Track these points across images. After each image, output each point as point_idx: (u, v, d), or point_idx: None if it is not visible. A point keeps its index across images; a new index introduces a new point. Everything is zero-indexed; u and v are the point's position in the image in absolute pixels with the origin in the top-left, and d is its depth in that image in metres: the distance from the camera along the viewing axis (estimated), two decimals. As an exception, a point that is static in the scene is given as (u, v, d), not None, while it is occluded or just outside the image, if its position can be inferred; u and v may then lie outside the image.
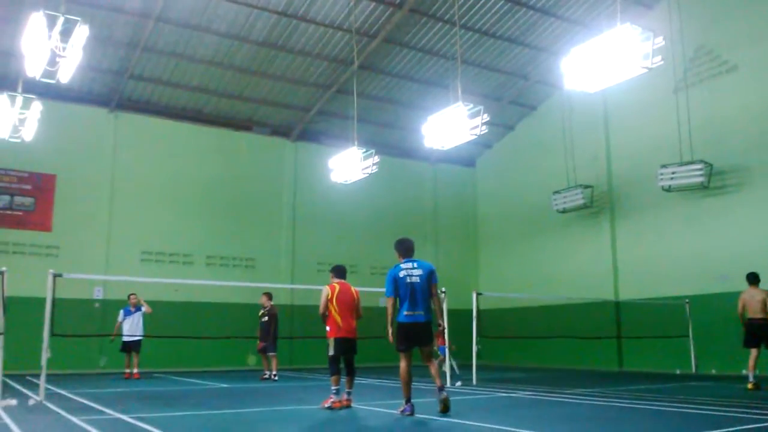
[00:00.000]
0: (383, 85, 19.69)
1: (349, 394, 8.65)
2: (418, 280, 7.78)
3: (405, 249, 8.12)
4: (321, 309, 8.81)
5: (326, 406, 8.39)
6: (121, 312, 14.57)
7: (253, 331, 14.89)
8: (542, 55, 18.96)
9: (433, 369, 7.82)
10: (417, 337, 7.76)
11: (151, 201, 18.44)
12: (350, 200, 20.02)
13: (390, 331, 7.79)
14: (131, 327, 14.35)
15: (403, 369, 7.71)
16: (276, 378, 14.08)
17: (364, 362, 9.40)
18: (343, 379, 8.75)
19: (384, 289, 7.93)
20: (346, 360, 8.80)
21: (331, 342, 8.67)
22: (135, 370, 14.32)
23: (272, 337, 14.35)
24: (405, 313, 7.71)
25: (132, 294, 14.64)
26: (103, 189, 17.90)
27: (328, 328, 8.77)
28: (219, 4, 15.64)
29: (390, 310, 7.76)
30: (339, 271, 9.11)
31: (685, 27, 16.47)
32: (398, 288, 7.75)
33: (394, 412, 7.91)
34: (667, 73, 16.08)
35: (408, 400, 7.65)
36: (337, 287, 8.82)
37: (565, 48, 13.85)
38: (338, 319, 8.66)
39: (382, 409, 8.51)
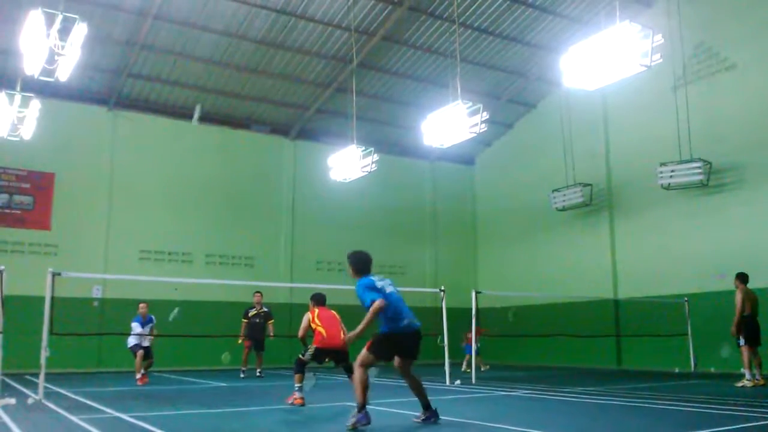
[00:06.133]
0: (382, 83, 19.68)
1: None
2: (395, 290, 6.92)
3: (365, 264, 7.01)
4: (300, 333, 9.15)
5: (289, 402, 8.54)
6: (135, 323, 13.22)
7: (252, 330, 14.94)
8: (541, 53, 18.95)
9: (417, 384, 6.97)
10: (411, 349, 6.86)
11: (149, 199, 18.41)
12: (349, 198, 19.99)
13: (361, 329, 6.62)
14: (143, 338, 13.27)
15: (366, 375, 6.63)
16: (262, 375, 14.30)
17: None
18: (348, 379, 8.75)
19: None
20: (344, 364, 9.01)
21: (312, 348, 8.91)
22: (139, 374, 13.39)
23: (264, 335, 14.62)
24: (402, 324, 6.71)
25: (142, 303, 13.51)
26: (101, 187, 17.87)
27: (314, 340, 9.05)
28: (217, 1, 15.62)
29: (373, 314, 6.52)
30: (319, 299, 9.40)
31: (684, 25, 16.45)
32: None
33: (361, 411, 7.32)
34: (666, 71, 16.08)
35: (364, 407, 6.51)
36: (317, 311, 9.18)
37: (564, 46, 13.82)
38: (323, 331, 8.89)
39: (382, 408, 8.50)
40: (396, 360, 6.87)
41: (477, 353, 14.77)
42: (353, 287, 6.89)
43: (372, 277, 6.83)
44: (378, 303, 6.49)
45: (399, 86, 19.87)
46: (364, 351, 6.71)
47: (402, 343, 6.80)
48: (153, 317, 13.54)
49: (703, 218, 16.38)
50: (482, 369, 16.11)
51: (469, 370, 14.79)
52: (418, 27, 17.53)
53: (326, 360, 9.07)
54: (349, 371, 8.79)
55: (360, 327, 6.60)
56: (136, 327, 13.14)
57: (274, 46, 17.38)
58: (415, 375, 6.97)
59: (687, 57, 16.71)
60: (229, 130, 19.96)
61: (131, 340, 13.06)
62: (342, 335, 8.88)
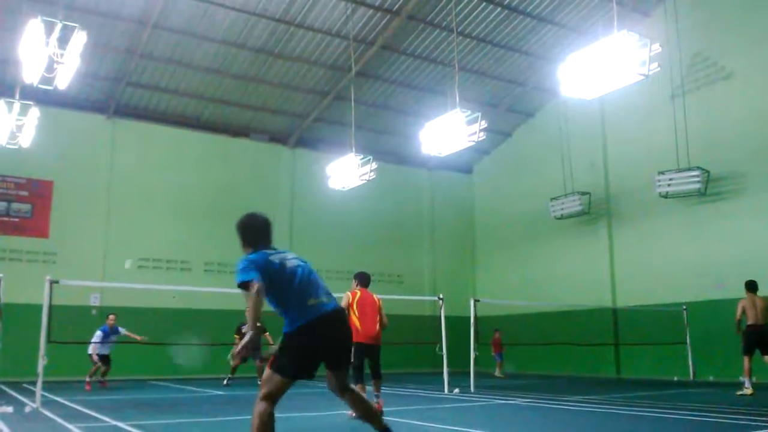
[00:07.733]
0: (381, 92, 19.72)
1: (377, 397, 8.19)
2: (301, 263, 4.55)
3: (255, 232, 4.63)
4: None
5: (354, 416, 8.17)
6: (99, 332, 13.73)
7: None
8: (539, 62, 19.01)
9: (362, 403, 4.86)
10: (335, 348, 4.56)
11: (148, 207, 18.39)
12: (348, 207, 19.98)
13: (247, 340, 4.24)
14: (102, 346, 13.77)
15: (268, 414, 4.37)
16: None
17: (385, 368, 9.02)
18: (370, 386, 8.41)
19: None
20: (372, 363, 8.41)
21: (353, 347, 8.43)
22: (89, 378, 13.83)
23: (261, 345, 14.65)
24: (312, 309, 4.34)
25: (111, 315, 13.96)
26: (100, 195, 17.87)
27: None
28: (217, 10, 15.67)
29: (255, 306, 4.12)
30: (362, 279, 8.66)
31: (682, 34, 16.53)
32: (277, 275, 4.34)
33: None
34: (664, 80, 16.14)
35: None
36: (358, 293, 8.45)
37: (562, 55, 13.86)
38: (357, 323, 8.23)
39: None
40: (327, 372, 4.67)
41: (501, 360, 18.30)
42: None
43: (267, 251, 4.47)
44: (252, 297, 4.12)
45: (397, 95, 19.92)
46: (266, 372, 4.42)
47: (320, 340, 4.37)
48: (119, 329, 13.92)
49: (701, 226, 16.40)
50: (498, 374, 18.05)
51: (502, 375, 17.85)
52: (416, 36, 17.59)
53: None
54: (375, 370, 8.34)
55: (249, 330, 4.19)
56: (98, 335, 13.65)
57: (273, 54, 17.42)
58: (355, 389, 4.86)
59: (685, 66, 16.77)
60: (228, 138, 19.97)
61: (92, 348, 13.63)
62: (377, 326, 8.30)
